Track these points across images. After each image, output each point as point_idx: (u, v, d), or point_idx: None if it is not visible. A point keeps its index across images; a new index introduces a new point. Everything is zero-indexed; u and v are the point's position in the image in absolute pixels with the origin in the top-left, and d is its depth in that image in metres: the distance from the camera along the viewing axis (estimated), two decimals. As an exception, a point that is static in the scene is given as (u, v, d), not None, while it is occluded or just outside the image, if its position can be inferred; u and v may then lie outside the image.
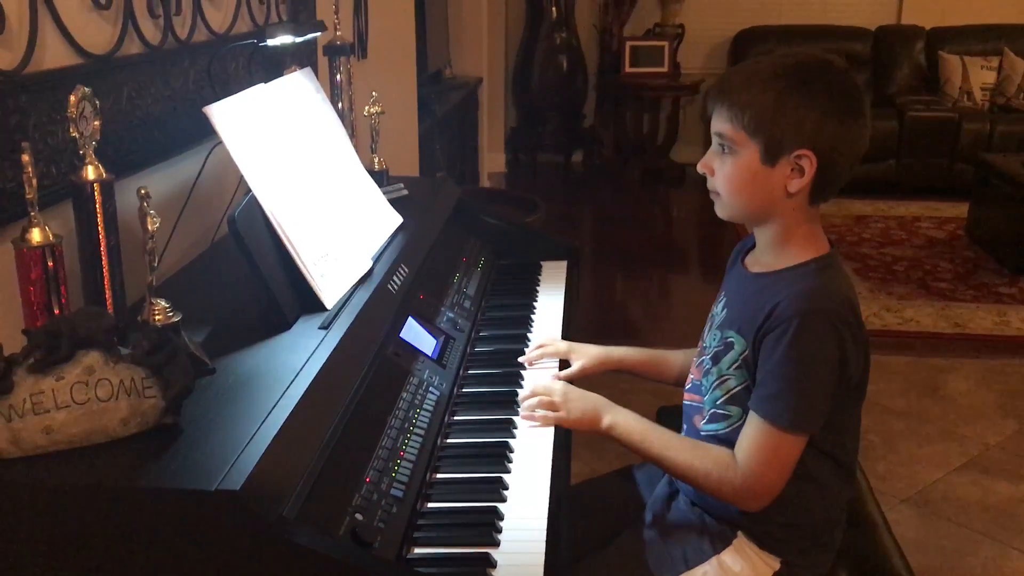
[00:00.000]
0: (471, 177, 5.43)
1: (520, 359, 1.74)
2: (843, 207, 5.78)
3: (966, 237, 5.25)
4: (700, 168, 1.49)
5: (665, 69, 6.62)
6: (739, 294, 1.52)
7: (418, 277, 1.80)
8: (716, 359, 1.50)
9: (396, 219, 1.88)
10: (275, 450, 1.07)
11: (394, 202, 2.04)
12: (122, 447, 1.06)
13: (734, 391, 1.46)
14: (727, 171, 1.44)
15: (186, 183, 1.56)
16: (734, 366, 1.46)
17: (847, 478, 1.52)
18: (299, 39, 1.64)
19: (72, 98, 1.13)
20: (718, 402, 1.49)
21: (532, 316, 1.97)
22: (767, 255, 1.49)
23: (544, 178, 6.91)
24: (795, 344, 1.36)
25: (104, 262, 1.19)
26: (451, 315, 1.83)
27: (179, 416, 1.10)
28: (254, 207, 1.41)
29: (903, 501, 2.86)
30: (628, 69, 6.63)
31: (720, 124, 1.43)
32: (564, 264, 2.27)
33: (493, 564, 1.17)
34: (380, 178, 2.11)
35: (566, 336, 1.93)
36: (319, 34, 1.83)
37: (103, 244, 1.19)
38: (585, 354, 1.75)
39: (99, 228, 1.18)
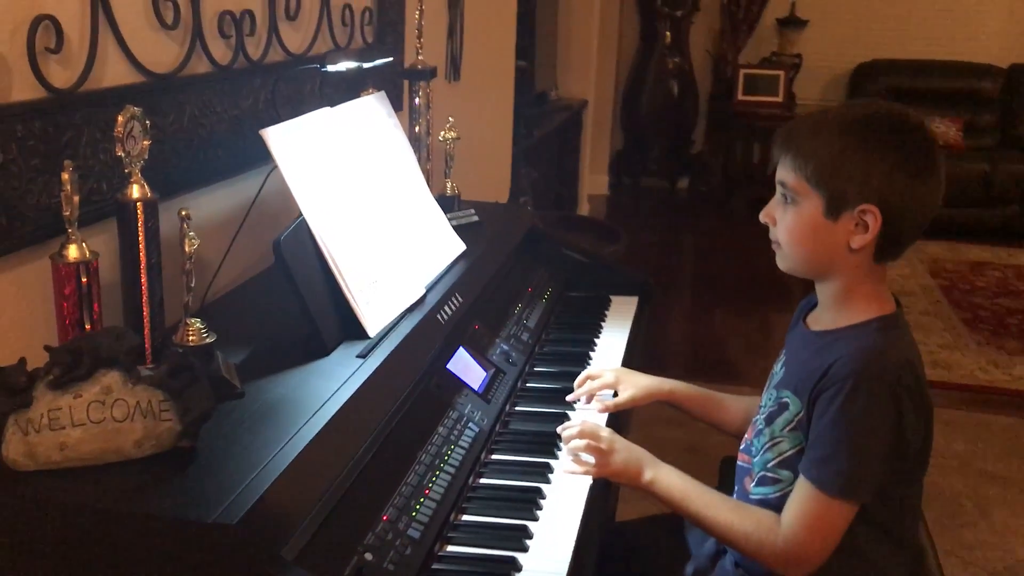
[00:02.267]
0: (569, 200, 5.40)
1: (568, 397, 1.70)
2: (957, 252, 5.51)
3: (1091, 293, 4.93)
4: (762, 217, 1.44)
5: (779, 99, 6.46)
6: (797, 353, 1.45)
7: (475, 306, 1.77)
8: (770, 420, 1.43)
9: (459, 246, 1.86)
10: (284, 483, 1.06)
11: (463, 228, 2.03)
12: (134, 468, 1.06)
13: (786, 455, 1.39)
14: (788, 222, 1.38)
15: (249, 203, 1.58)
16: (788, 428, 1.39)
17: (903, 556, 1.42)
18: (365, 65, 1.64)
19: (120, 118, 1.14)
20: (769, 465, 1.42)
21: (591, 353, 1.92)
22: (828, 313, 1.42)
23: (647, 203, 6.83)
24: (848, 406, 1.29)
25: (143, 280, 1.21)
26: (505, 347, 1.80)
27: (196, 440, 1.10)
28: (303, 231, 1.41)
29: (992, 574, 2.69)
30: (741, 97, 6.49)
31: (783, 173, 1.38)
32: (635, 300, 2.22)
33: (501, 618, 1.13)
34: (451, 203, 2.10)
35: (623, 376, 1.87)
36: (387, 60, 1.83)
37: (143, 262, 1.20)
38: (634, 384, 1.70)
39: (140, 246, 1.20)
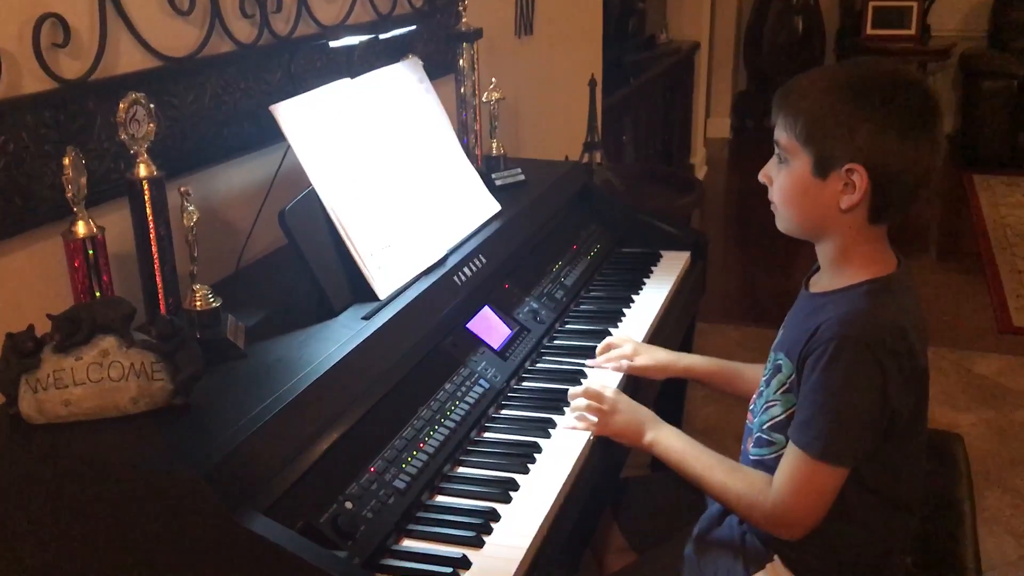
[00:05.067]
0: (681, 146, 5.32)
1: (589, 362, 1.73)
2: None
3: None
4: (760, 177, 1.44)
5: (912, 32, 6.12)
6: (795, 315, 1.45)
7: (505, 266, 1.82)
8: (767, 382, 1.44)
9: (492, 207, 1.91)
10: (260, 437, 1.16)
11: (507, 188, 2.08)
12: (131, 423, 1.19)
13: (778, 418, 1.40)
14: (781, 182, 1.38)
15: (281, 172, 1.68)
16: (781, 390, 1.40)
17: (901, 519, 1.41)
18: (381, 36, 1.70)
19: (121, 105, 1.25)
20: (764, 427, 1.43)
21: (625, 311, 1.94)
22: (825, 275, 1.41)
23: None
24: (829, 369, 1.28)
25: (154, 250, 1.33)
26: (535, 306, 1.85)
27: (189, 398, 1.22)
28: (312, 201, 1.50)
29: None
30: (869, 31, 6.19)
31: (778, 132, 1.38)
32: (686, 256, 2.21)
33: (467, 566, 1.20)
34: (496, 164, 2.15)
35: (653, 337, 1.89)
36: (409, 29, 1.88)
37: (153, 234, 1.32)
38: (651, 357, 1.72)
39: (149, 220, 1.32)
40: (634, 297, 2.00)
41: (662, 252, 2.23)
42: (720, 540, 1.50)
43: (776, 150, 1.39)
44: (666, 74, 4.89)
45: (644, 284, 2.07)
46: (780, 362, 1.41)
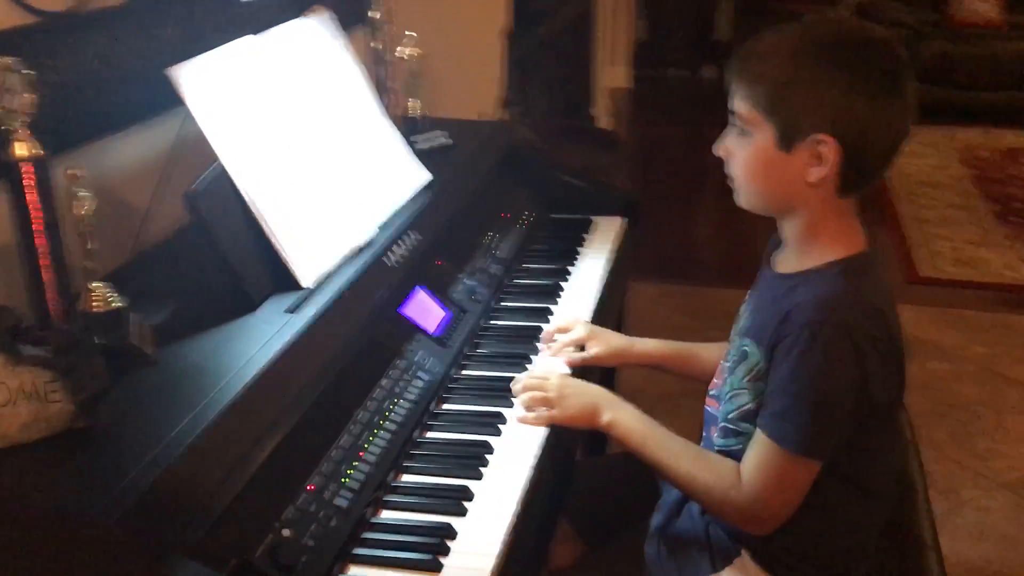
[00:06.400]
0: (583, 97, 5.20)
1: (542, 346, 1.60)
2: (993, 138, 5.24)
3: None
4: (717, 151, 1.31)
5: (809, -22, 6.11)
6: (761, 297, 1.35)
7: (437, 242, 1.67)
8: (732, 369, 1.34)
9: (422, 176, 1.75)
10: (181, 467, 0.99)
11: (433, 152, 1.92)
12: (24, 454, 1.00)
13: (746, 407, 1.30)
14: (741, 156, 1.27)
15: (183, 139, 1.48)
16: (748, 378, 1.30)
17: (876, 506, 1.34)
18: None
19: (-10, 73, 1.05)
20: (730, 416, 1.33)
21: (563, 284, 1.82)
22: (792, 254, 1.31)
23: (671, 94, 6.58)
24: (806, 358, 1.19)
25: (39, 243, 1.13)
26: (470, 283, 1.70)
27: (93, 419, 1.04)
28: (223, 179, 1.31)
29: (1002, 485, 2.60)
30: (768, -24, 6.15)
31: (736, 102, 1.26)
32: (618, 221, 2.10)
33: (424, 597, 1.07)
34: (417, 126, 1.98)
35: (600, 312, 1.77)
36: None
37: (36, 225, 1.12)
38: (604, 342, 1.60)
39: (32, 208, 1.11)
40: (569, 269, 1.88)
41: (592, 217, 2.10)
42: (683, 535, 1.41)
43: (734, 121, 1.27)
44: (571, 22, 4.74)
45: (578, 254, 1.94)
46: (746, 348, 1.30)
